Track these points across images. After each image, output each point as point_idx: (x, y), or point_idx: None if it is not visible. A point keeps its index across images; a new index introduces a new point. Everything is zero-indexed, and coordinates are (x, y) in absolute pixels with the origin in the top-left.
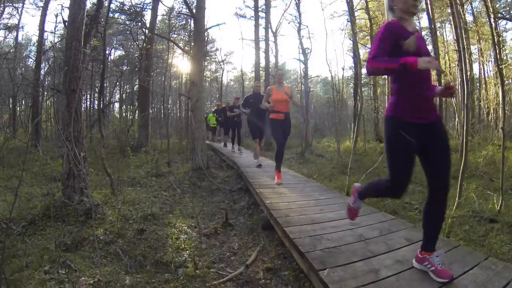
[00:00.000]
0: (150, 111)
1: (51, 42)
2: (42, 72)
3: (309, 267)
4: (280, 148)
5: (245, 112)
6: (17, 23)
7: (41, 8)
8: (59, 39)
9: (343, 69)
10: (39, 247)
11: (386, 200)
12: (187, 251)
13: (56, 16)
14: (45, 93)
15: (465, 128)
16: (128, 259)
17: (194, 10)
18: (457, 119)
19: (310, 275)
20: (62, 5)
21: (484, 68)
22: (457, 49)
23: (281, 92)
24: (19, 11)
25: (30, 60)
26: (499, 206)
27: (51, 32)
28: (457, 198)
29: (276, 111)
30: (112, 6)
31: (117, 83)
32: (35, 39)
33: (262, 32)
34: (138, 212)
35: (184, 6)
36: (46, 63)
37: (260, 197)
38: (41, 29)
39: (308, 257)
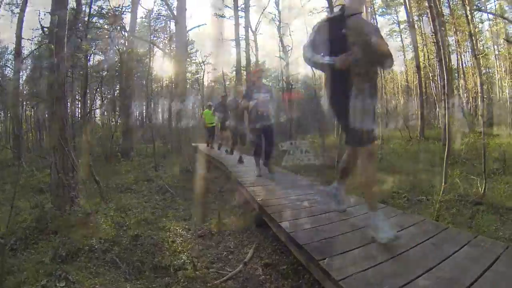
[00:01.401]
0: (133, 116)
1: (43, 44)
2: (21, 81)
3: (308, 259)
4: None
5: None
6: None
7: (17, 15)
8: (36, 46)
9: None
10: (34, 261)
11: None
12: (185, 253)
13: (40, 21)
14: (25, 103)
15: (446, 117)
16: (126, 266)
17: (175, 12)
18: (437, 109)
19: (309, 266)
20: (39, 10)
21: (462, 59)
22: (435, 41)
23: None
24: None
25: (8, 69)
26: (483, 189)
27: (28, 40)
28: (443, 184)
29: None
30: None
31: (98, 89)
32: (11, 47)
33: (242, 31)
34: (131, 218)
35: (164, 8)
36: (24, 72)
37: (251, 195)
38: (18, 36)
39: (307, 249)
